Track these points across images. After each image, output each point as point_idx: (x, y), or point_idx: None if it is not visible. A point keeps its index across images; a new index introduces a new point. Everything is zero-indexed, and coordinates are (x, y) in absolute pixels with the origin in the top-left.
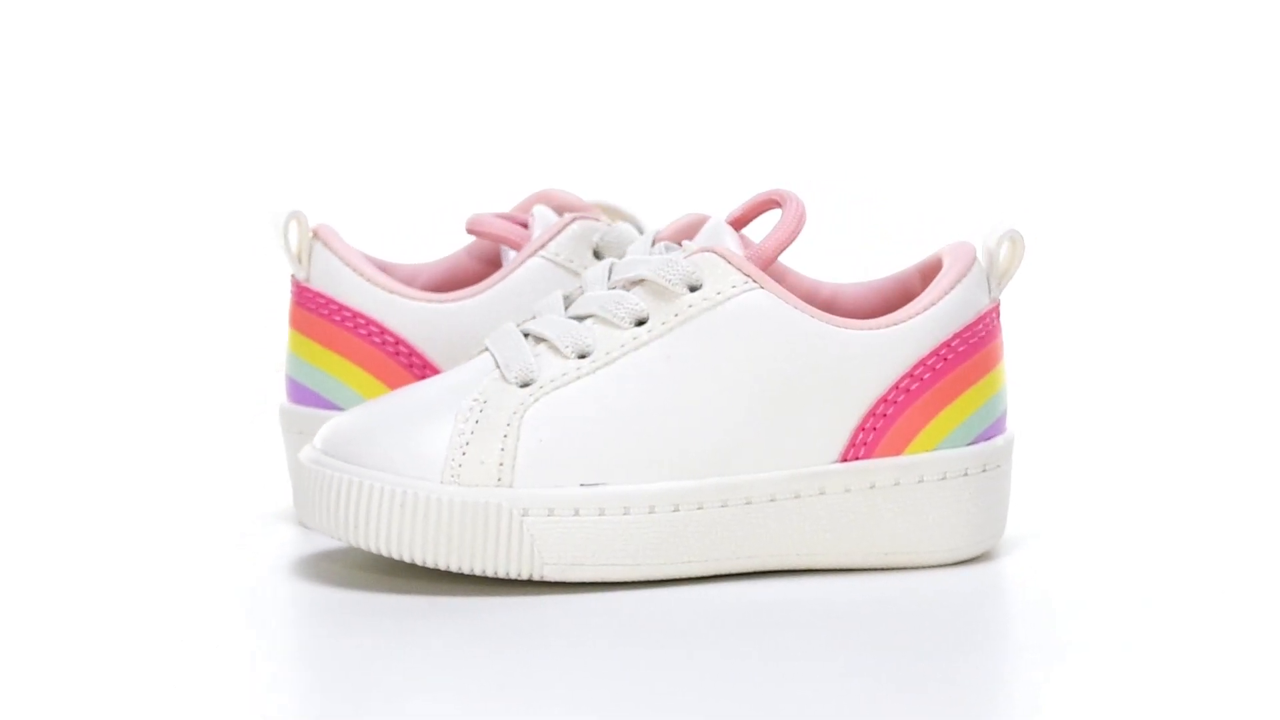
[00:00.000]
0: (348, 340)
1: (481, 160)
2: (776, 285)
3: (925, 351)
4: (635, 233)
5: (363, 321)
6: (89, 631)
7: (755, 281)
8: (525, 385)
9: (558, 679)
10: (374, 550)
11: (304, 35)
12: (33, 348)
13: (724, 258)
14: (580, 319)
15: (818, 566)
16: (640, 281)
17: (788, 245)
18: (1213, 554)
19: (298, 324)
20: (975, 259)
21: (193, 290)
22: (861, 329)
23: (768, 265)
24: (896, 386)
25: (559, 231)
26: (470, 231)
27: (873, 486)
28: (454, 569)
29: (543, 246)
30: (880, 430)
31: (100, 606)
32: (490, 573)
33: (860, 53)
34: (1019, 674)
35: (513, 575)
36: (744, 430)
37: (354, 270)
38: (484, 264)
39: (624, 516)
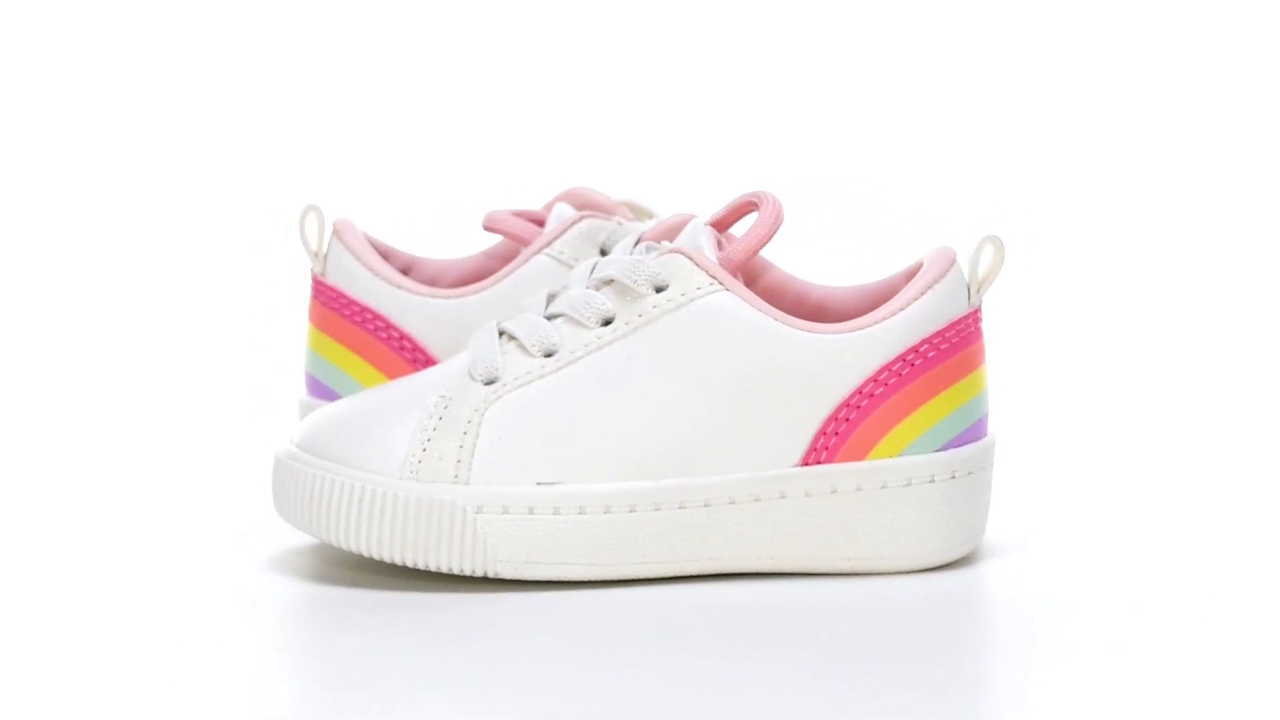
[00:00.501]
0: (357, 335)
1: (524, 158)
2: (742, 288)
3: (890, 357)
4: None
5: (370, 316)
6: (87, 628)
7: (720, 283)
8: (490, 383)
9: (508, 679)
10: (338, 545)
11: (354, 29)
12: (38, 344)
13: (690, 259)
14: (552, 318)
15: (781, 570)
16: (610, 281)
17: (760, 247)
18: (1202, 558)
19: (315, 319)
20: (952, 264)
21: (206, 288)
22: (825, 333)
23: (738, 268)
24: (860, 391)
25: (565, 229)
26: (486, 228)
27: (834, 491)
28: (411, 564)
29: (548, 244)
30: (843, 435)
31: (98, 602)
32: (445, 569)
33: (868, 56)
34: (997, 679)
35: (466, 572)
36: (703, 432)
37: (363, 264)
38: (505, 263)
39: (579, 516)
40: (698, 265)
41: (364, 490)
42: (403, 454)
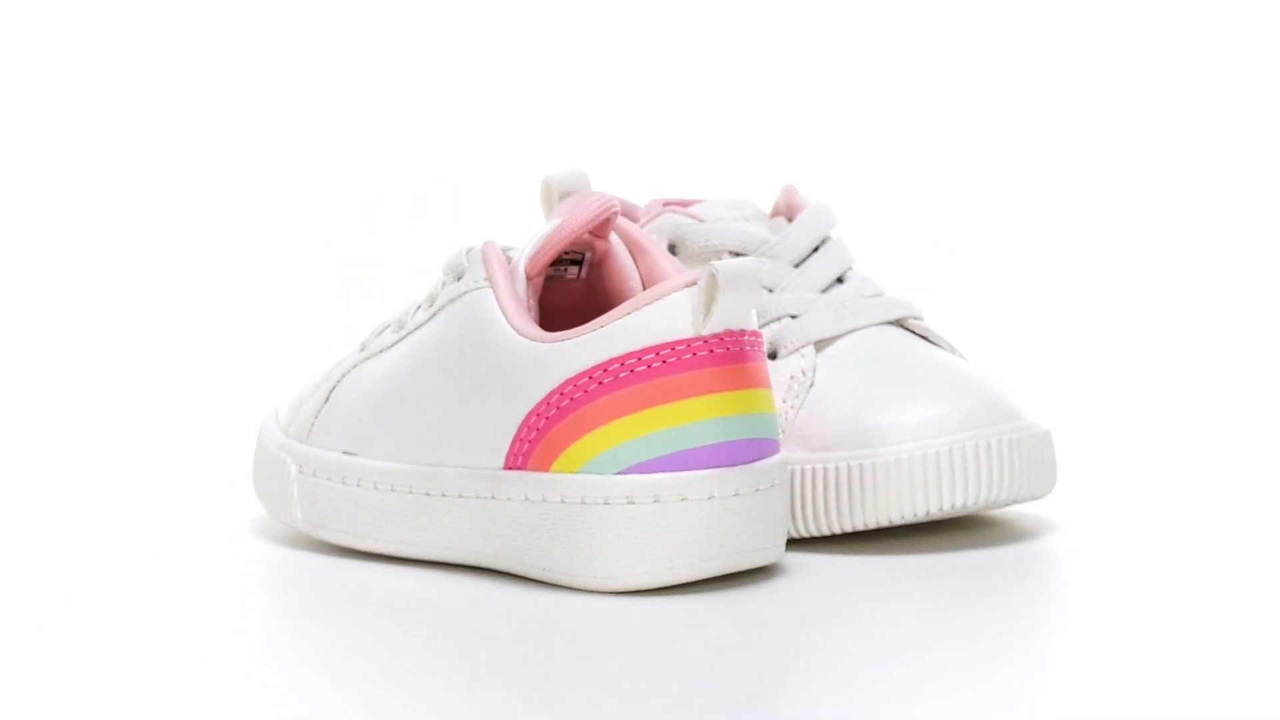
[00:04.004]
0: None
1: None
2: (503, 285)
3: (576, 371)
4: (743, 233)
5: None
6: (82, 625)
7: (489, 280)
8: (362, 351)
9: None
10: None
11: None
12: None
13: (484, 252)
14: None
15: (508, 571)
16: None
17: (558, 247)
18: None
19: None
20: (681, 287)
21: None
22: (535, 340)
23: (535, 267)
24: (547, 401)
25: (648, 221)
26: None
27: (526, 499)
28: (269, 514)
29: None
30: (533, 443)
31: (92, 596)
32: (282, 521)
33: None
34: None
35: (291, 526)
36: (442, 423)
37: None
38: None
39: (356, 489)
40: (485, 259)
41: (259, 444)
42: (291, 412)
